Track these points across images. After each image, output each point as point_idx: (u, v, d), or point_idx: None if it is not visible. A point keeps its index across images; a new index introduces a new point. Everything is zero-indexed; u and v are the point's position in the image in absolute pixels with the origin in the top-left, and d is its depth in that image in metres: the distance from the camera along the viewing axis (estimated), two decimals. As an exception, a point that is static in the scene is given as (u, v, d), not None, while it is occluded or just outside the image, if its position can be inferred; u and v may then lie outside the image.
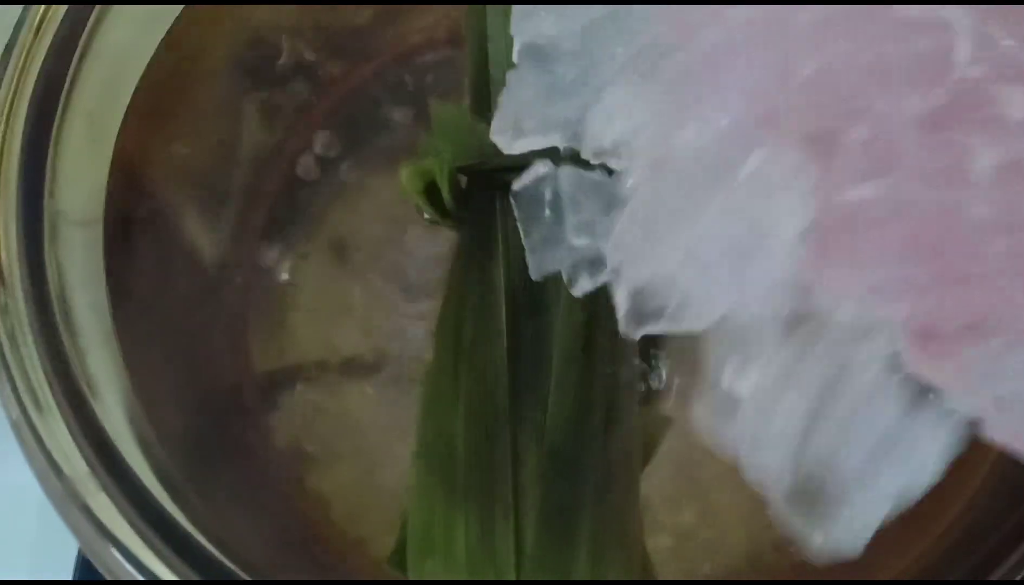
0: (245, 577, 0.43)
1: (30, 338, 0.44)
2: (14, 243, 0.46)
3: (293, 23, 0.57)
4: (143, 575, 0.42)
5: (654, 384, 0.51)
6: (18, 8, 0.49)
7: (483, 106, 0.52)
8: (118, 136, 0.51)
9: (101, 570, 0.42)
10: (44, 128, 0.48)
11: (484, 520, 0.47)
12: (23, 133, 0.47)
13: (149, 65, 0.52)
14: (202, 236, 0.54)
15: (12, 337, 0.44)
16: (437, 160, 0.50)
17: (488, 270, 0.50)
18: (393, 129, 0.58)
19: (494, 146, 0.44)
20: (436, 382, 0.49)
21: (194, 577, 0.42)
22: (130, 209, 0.52)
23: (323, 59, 0.58)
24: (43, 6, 0.48)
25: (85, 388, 0.45)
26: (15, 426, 0.43)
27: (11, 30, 0.48)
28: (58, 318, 0.46)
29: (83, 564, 0.63)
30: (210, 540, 0.43)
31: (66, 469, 0.43)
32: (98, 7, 0.49)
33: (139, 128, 0.51)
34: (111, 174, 0.50)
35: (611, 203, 0.41)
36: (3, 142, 0.47)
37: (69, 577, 0.63)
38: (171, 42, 0.52)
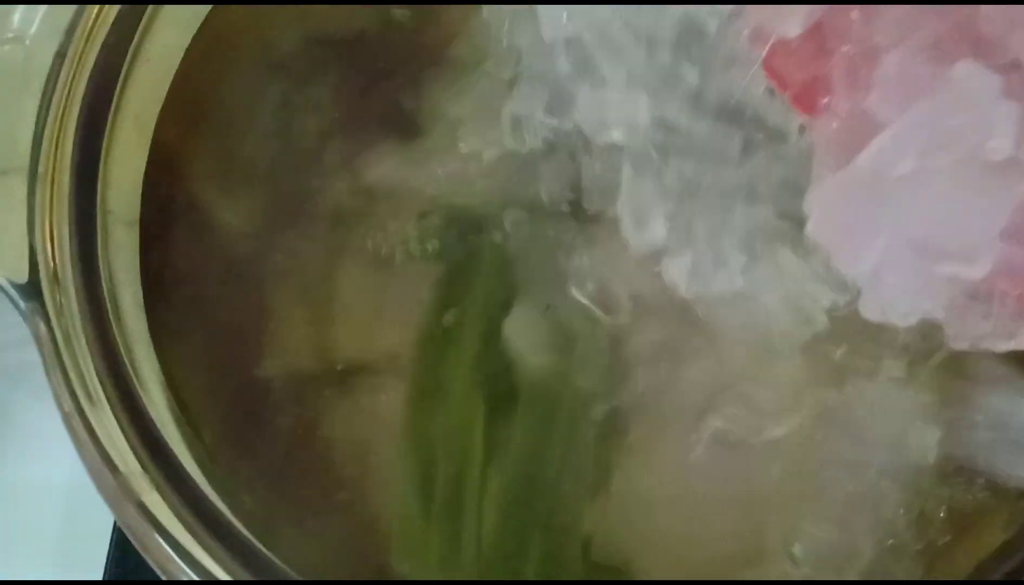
0: (295, 577, 0.44)
1: (83, 337, 0.45)
2: (67, 244, 0.47)
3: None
4: (197, 573, 0.42)
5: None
6: (68, 11, 0.49)
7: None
8: (154, 133, 0.52)
9: (154, 567, 0.43)
10: (96, 131, 0.49)
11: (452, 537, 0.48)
12: (75, 136, 0.48)
13: (182, 62, 0.52)
14: (236, 230, 0.54)
15: (67, 335, 0.45)
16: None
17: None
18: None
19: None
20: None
21: (246, 576, 0.43)
22: (164, 205, 0.52)
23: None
24: (95, 7, 0.49)
25: (136, 385, 0.46)
26: (67, 421, 0.44)
27: (62, 34, 0.49)
28: (110, 316, 0.47)
29: (115, 561, 0.64)
30: (257, 536, 0.44)
31: (120, 466, 0.44)
32: (149, 8, 0.50)
33: (173, 125, 0.52)
34: (147, 172, 0.51)
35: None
36: (56, 145, 0.48)
37: (99, 575, 0.64)
38: (203, 38, 0.53)
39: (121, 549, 0.64)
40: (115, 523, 0.62)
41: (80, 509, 0.68)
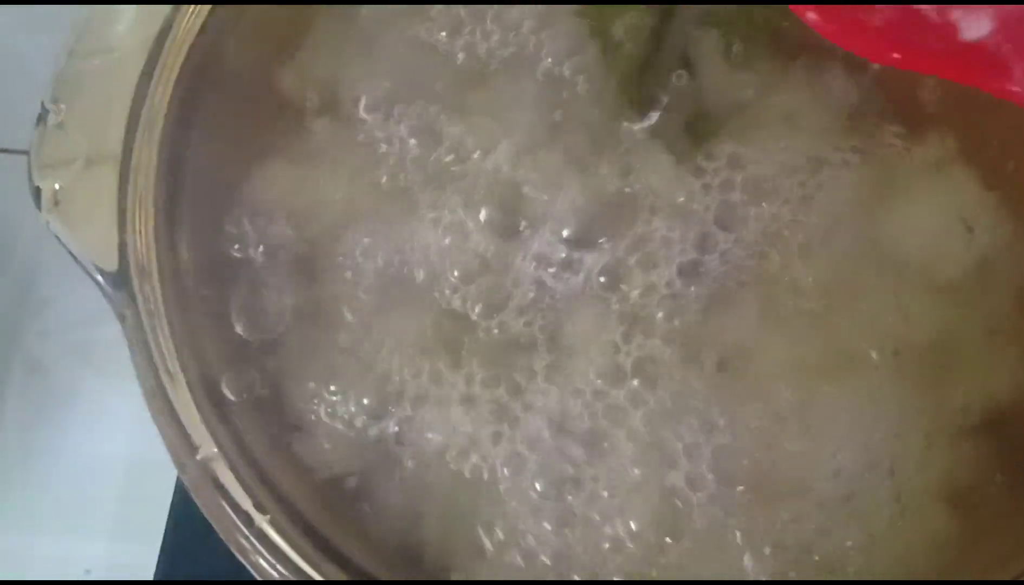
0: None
1: (166, 323, 0.49)
2: (152, 236, 0.50)
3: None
4: (265, 547, 0.46)
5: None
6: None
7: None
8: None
9: (224, 539, 0.46)
10: (184, 128, 0.52)
11: None
12: (162, 132, 0.51)
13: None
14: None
15: (152, 321, 0.48)
16: None
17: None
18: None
19: None
20: None
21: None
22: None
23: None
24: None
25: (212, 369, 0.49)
26: (148, 398, 0.48)
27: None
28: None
29: (172, 532, 0.66)
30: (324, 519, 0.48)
31: (196, 442, 0.47)
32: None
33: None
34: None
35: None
36: (146, 140, 0.51)
37: (157, 546, 0.66)
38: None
39: (178, 522, 0.66)
40: (174, 496, 0.66)
41: (138, 481, 0.71)
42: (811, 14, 0.48)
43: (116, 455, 0.72)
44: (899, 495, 0.48)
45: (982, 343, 0.51)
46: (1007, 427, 0.49)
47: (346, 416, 0.50)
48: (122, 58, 0.52)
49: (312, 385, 0.51)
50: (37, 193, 0.50)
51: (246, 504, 0.46)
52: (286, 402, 0.50)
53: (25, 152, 0.50)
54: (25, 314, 0.75)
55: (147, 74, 0.51)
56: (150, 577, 0.66)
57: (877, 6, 0.48)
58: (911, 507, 0.48)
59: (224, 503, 0.46)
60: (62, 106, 0.50)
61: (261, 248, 0.52)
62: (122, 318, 0.48)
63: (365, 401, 0.50)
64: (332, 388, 0.51)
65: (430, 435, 0.50)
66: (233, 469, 0.47)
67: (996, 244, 0.51)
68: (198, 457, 0.46)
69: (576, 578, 0.48)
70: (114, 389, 0.72)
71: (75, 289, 0.66)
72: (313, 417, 0.51)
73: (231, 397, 0.49)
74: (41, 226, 0.50)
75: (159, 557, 0.65)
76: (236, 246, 0.52)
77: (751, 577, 0.47)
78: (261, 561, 0.46)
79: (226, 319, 0.51)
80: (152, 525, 0.67)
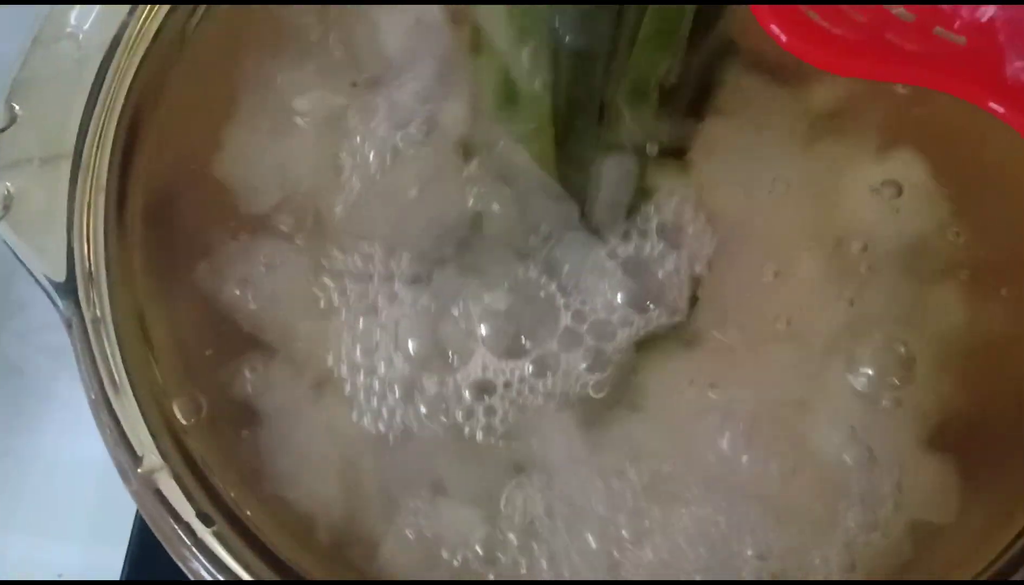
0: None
1: (112, 332, 0.48)
2: (102, 243, 0.50)
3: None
4: (208, 561, 0.46)
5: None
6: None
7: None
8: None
9: (171, 554, 0.46)
10: (136, 130, 0.52)
11: None
12: (116, 133, 0.51)
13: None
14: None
15: (97, 330, 0.48)
16: None
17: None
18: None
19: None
20: None
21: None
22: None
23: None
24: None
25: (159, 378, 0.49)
26: (93, 408, 0.48)
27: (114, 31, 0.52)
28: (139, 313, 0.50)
29: (137, 538, 0.66)
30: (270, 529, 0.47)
31: (139, 451, 0.47)
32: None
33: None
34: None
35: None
36: (99, 141, 0.51)
37: (123, 548, 0.66)
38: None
39: (144, 526, 0.63)
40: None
41: (113, 485, 0.69)
42: (774, 27, 0.47)
43: (91, 458, 0.67)
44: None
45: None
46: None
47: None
48: (79, 61, 0.52)
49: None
50: (-11, 196, 0.49)
51: (189, 516, 0.45)
52: (237, 415, 0.50)
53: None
54: (1, 316, 0.74)
55: (101, 78, 0.51)
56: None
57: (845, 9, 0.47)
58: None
59: (167, 514, 0.45)
60: (16, 107, 0.50)
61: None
62: (68, 325, 0.47)
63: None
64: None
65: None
66: (178, 480, 0.46)
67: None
68: (140, 470, 0.45)
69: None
70: (89, 391, 0.71)
71: (51, 292, 0.67)
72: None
73: (179, 413, 0.48)
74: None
75: (124, 560, 0.65)
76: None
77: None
78: (201, 570, 0.46)
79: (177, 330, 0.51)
80: (127, 528, 0.66)
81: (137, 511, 0.64)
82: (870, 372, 0.49)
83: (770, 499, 0.48)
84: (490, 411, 0.49)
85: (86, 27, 0.52)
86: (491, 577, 0.47)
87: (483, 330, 0.50)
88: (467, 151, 0.53)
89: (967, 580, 0.47)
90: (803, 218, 0.52)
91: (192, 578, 0.45)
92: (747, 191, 0.52)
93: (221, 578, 0.45)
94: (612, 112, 0.53)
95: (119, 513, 0.67)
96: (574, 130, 0.53)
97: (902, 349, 0.50)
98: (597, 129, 0.53)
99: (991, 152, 0.52)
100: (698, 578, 0.47)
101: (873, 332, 0.50)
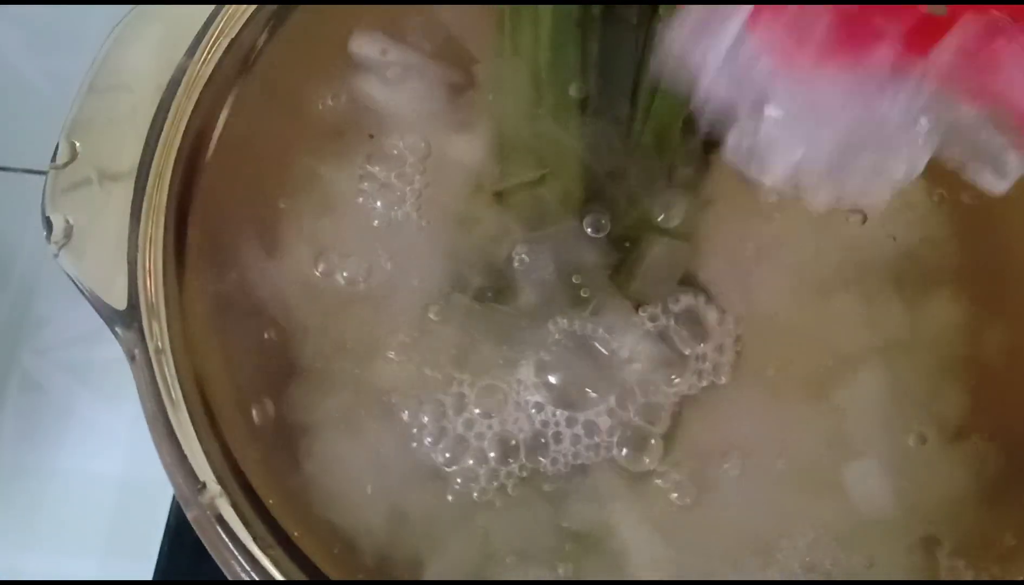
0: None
1: (172, 360, 0.50)
2: (161, 275, 0.51)
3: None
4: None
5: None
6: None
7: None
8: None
9: (222, 568, 0.48)
10: (194, 168, 0.54)
11: None
12: (174, 171, 0.53)
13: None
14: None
15: (159, 359, 0.50)
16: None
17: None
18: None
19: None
20: None
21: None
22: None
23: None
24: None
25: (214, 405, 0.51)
26: (158, 443, 0.49)
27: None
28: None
29: (167, 556, 0.67)
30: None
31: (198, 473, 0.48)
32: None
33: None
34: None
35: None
36: (158, 180, 0.52)
37: (151, 567, 0.67)
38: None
39: (174, 545, 0.67)
40: (168, 516, 0.67)
41: (133, 501, 0.71)
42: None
43: (111, 474, 0.72)
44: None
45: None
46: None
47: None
48: (138, 99, 0.53)
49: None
50: (49, 226, 0.51)
51: (247, 540, 0.47)
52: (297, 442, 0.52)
53: (26, 170, 0.51)
54: (22, 332, 0.75)
55: (162, 114, 0.53)
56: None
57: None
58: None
59: (227, 539, 0.47)
60: (77, 144, 0.51)
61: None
62: (131, 357, 0.49)
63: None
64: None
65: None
66: (236, 507, 0.48)
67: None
68: (202, 498, 0.47)
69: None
70: (109, 408, 0.73)
71: (72, 308, 0.69)
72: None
73: (239, 434, 0.50)
74: (43, 248, 0.51)
75: (154, 576, 0.66)
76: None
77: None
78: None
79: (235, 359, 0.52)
80: (146, 544, 0.67)
81: (166, 528, 0.67)
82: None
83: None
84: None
85: (145, 65, 0.54)
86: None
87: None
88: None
89: (967, 580, 0.49)
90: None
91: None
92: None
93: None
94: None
95: (142, 529, 0.68)
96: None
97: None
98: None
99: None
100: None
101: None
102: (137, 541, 0.68)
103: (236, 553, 0.47)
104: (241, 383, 0.52)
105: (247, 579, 0.47)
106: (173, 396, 0.49)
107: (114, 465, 0.72)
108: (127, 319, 0.50)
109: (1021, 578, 0.49)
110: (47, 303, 0.75)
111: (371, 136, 0.56)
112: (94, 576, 0.70)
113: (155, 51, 0.53)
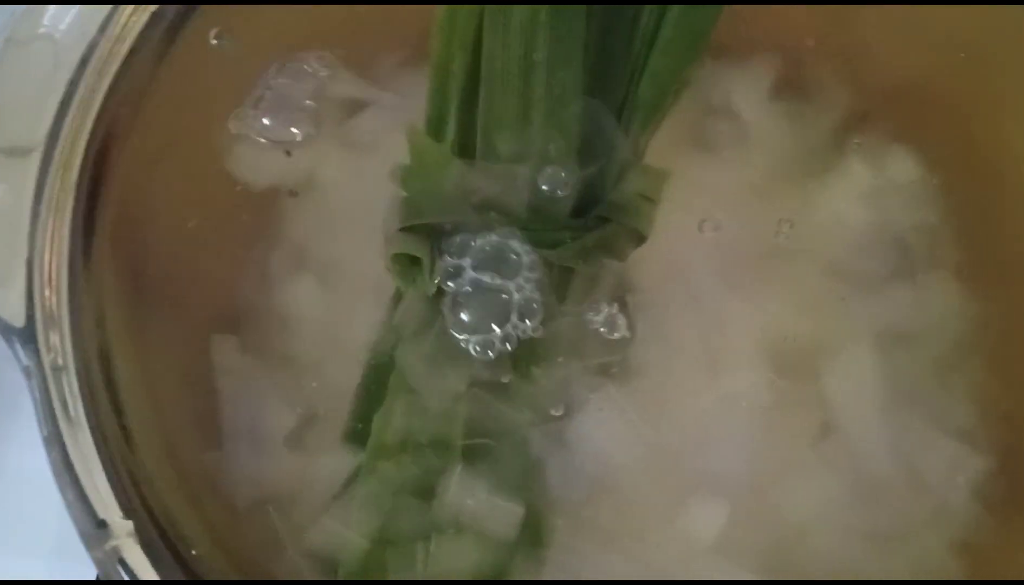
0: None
1: (75, 379, 0.45)
2: (65, 284, 0.46)
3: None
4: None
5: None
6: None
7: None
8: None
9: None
10: (99, 168, 0.48)
11: None
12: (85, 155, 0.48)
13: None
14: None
15: (59, 379, 0.45)
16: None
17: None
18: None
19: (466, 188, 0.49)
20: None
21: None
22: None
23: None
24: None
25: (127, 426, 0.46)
26: (56, 471, 0.45)
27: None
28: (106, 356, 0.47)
29: None
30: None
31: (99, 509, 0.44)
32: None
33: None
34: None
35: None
36: (64, 166, 0.47)
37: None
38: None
39: None
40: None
41: None
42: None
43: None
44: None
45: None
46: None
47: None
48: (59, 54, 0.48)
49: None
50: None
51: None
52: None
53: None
54: (-33, 328, 0.71)
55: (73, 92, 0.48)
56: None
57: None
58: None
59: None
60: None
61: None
62: (27, 375, 0.45)
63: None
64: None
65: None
66: (145, 547, 0.43)
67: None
68: (104, 538, 0.43)
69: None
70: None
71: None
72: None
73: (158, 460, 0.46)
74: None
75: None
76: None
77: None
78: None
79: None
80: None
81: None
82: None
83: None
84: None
85: (63, 27, 0.48)
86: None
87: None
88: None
89: (966, 580, 0.47)
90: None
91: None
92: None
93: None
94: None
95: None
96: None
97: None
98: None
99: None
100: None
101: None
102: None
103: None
104: (161, 401, 0.48)
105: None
106: (72, 417, 0.44)
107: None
108: (25, 335, 0.45)
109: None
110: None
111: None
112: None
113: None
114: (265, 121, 0.53)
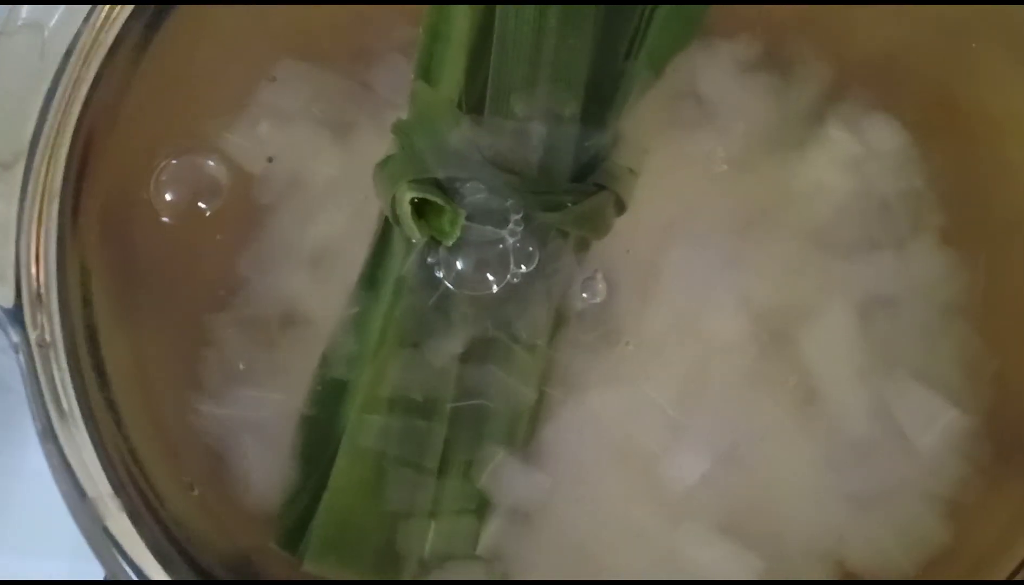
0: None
1: (63, 356, 0.46)
2: (52, 264, 0.47)
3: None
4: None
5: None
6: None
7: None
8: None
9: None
10: (83, 156, 0.50)
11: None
12: (72, 141, 0.49)
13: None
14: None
15: (45, 358, 0.46)
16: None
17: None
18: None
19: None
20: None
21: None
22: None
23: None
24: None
25: (107, 412, 0.47)
26: (41, 439, 0.46)
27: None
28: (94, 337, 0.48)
29: None
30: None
31: (89, 489, 0.44)
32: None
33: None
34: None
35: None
36: (52, 152, 0.48)
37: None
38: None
39: None
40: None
41: None
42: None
43: None
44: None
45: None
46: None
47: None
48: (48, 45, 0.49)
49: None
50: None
51: (140, 554, 0.44)
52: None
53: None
54: (-16, 330, 0.72)
55: (60, 78, 0.49)
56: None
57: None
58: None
59: (116, 553, 0.43)
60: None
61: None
62: (15, 351, 0.46)
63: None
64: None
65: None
66: (131, 515, 0.44)
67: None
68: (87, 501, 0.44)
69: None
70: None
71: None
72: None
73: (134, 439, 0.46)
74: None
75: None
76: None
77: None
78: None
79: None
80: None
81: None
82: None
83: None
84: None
85: (52, 21, 0.49)
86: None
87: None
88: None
89: (965, 580, 0.47)
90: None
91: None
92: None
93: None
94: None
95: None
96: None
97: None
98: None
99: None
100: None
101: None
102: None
103: (127, 568, 0.44)
104: (149, 377, 0.49)
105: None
106: (61, 392, 0.45)
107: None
108: (14, 314, 0.46)
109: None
110: (9, 299, 0.73)
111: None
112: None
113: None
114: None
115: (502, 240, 0.50)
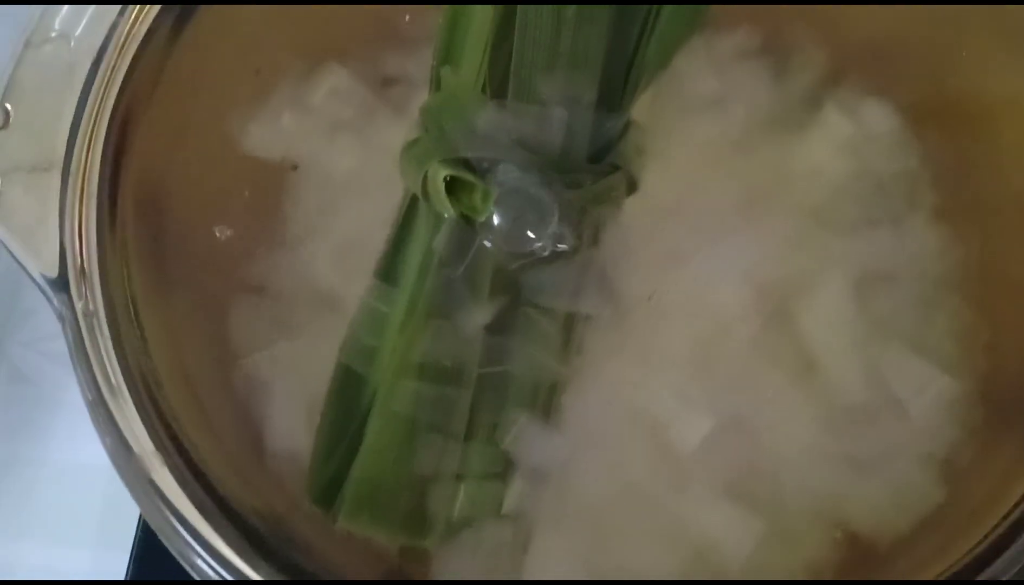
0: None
1: (107, 330, 0.48)
2: (94, 241, 0.50)
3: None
4: (205, 551, 0.45)
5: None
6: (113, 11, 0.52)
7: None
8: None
9: (167, 544, 0.46)
10: (127, 131, 0.52)
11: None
12: (107, 135, 0.51)
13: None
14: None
15: (91, 328, 0.48)
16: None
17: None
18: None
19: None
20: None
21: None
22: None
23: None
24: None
25: (153, 375, 0.49)
26: (90, 409, 0.47)
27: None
28: (132, 311, 0.50)
29: (142, 537, 0.66)
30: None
31: (135, 448, 0.47)
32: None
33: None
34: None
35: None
36: (90, 143, 0.51)
37: (127, 553, 0.66)
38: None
39: (148, 529, 0.62)
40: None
41: (122, 493, 0.70)
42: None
43: (100, 464, 0.68)
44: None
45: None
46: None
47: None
48: (71, 64, 0.52)
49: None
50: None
51: (187, 508, 0.46)
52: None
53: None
54: (9, 324, 0.74)
55: (94, 77, 0.51)
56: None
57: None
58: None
59: (163, 507, 0.45)
60: (9, 107, 0.50)
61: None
62: (62, 321, 0.47)
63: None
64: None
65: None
66: (174, 471, 0.46)
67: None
68: (134, 462, 0.46)
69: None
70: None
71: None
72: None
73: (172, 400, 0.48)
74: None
75: (128, 564, 0.65)
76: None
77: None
78: (203, 565, 0.45)
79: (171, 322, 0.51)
80: (126, 532, 0.66)
81: (141, 515, 0.65)
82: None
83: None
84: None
85: (78, 32, 0.52)
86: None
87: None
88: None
89: (963, 580, 0.47)
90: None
91: (196, 577, 0.45)
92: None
93: (225, 575, 0.45)
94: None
95: (128, 520, 0.67)
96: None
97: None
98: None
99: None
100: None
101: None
102: (129, 532, 0.67)
103: (175, 523, 0.46)
104: (185, 343, 0.52)
105: (191, 552, 0.45)
106: (107, 359, 0.47)
107: (104, 455, 0.69)
108: (58, 285, 0.49)
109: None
110: (33, 296, 0.73)
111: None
112: (87, 567, 0.70)
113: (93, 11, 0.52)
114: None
115: (541, 201, 0.52)
